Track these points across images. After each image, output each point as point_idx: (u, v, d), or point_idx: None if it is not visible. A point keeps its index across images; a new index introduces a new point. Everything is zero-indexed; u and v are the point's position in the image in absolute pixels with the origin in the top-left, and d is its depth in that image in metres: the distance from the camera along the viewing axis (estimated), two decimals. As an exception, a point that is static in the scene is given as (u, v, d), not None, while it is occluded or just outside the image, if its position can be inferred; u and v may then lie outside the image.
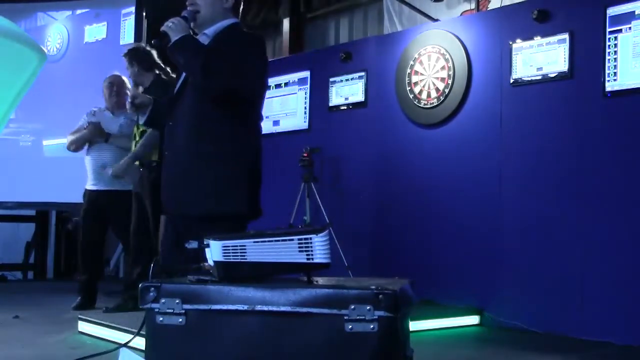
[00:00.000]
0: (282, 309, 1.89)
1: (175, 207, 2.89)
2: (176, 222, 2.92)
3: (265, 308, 1.90)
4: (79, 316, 4.41)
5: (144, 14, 7.27)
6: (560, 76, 4.72)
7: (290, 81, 6.65)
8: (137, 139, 5.02)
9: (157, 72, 5.08)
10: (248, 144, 2.89)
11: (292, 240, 1.99)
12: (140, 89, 5.01)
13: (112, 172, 5.12)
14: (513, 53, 4.96)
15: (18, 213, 8.24)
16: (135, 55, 5.10)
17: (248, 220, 2.90)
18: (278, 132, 6.68)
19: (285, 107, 6.67)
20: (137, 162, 4.99)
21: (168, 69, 5.11)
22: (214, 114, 2.81)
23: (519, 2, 5.24)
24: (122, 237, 5.49)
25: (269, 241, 2.00)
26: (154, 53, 5.08)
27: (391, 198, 5.75)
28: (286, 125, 6.63)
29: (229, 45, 2.82)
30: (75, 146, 5.50)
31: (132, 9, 7.34)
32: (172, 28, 2.78)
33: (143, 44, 5.68)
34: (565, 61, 4.69)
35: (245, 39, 2.92)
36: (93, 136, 5.41)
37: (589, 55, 4.57)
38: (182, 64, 2.85)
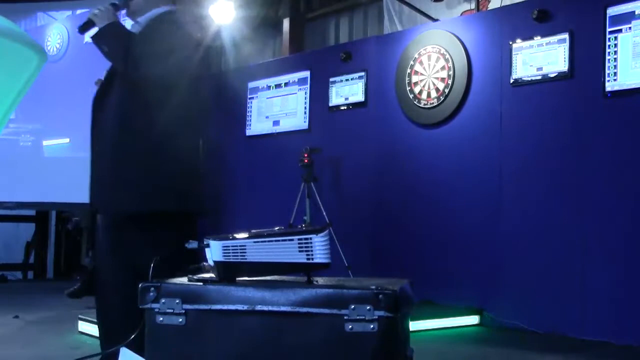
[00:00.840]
0: (282, 309, 1.89)
1: (106, 206, 2.70)
2: (113, 222, 2.70)
3: (265, 308, 1.90)
4: (79, 316, 4.42)
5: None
6: (560, 76, 4.72)
7: (290, 81, 6.65)
8: None
9: None
10: (180, 137, 2.68)
11: (292, 240, 1.99)
12: None
13: None
14: (513, 53, 4.96)
15: (18, 213, 8.24)
16: None
17: (193, 218, 2.74)
18: (278, 132, 6.68)
19: (285, 107, 6.66)
20: None
21: None
22: (142, 105, 2.62)
23: (519, 2, 5.24)
24: None
25: (269, 241, 2.00)
26: None
27: (391, 198, 5.75)
28: (286, 125, 6.63)
29: (158, 33, 2.65)
30: None
31: (132, 9, 7.34)
32: (98, 15, 2.65)
33: None
34: (565, 61, 4.69)
35: (175, 26, 2.72)
36: None
37: (589, 55, 4.57)
38: (106, 52, 2.68)
